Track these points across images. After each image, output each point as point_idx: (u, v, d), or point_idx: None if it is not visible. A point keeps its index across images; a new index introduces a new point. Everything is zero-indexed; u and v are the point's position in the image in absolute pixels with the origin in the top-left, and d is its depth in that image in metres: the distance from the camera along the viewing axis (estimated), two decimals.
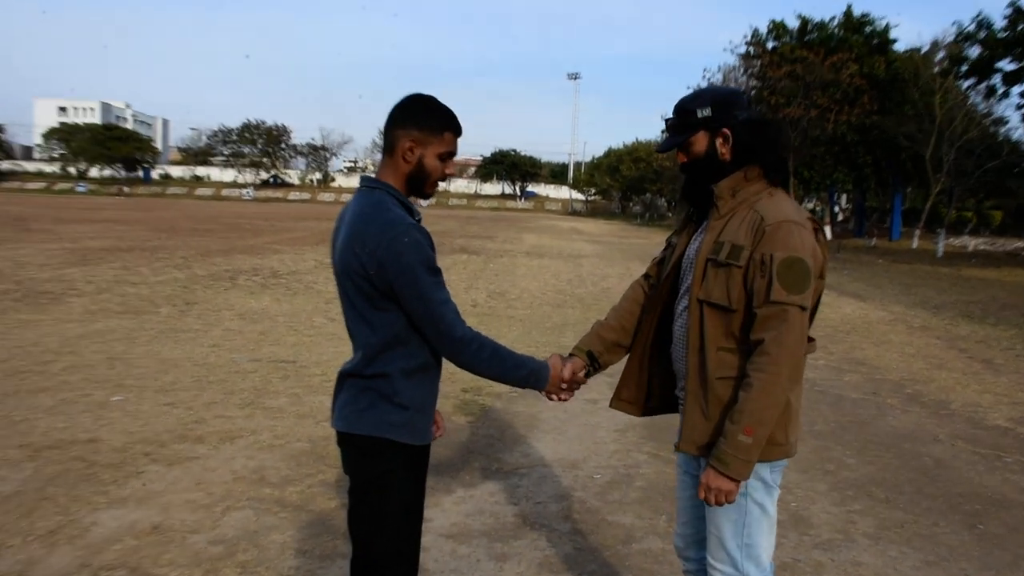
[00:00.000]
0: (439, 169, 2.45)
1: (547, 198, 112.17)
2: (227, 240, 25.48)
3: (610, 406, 2.91)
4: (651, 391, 2.81)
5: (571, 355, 2.84)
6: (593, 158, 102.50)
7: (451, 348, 2.35)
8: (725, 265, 2.39)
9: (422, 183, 2.46)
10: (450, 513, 4.50)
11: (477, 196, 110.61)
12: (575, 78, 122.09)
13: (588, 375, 2.83)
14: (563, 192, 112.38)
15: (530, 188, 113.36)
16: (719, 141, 2.49)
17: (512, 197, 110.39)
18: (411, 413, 2.40)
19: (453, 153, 2.48)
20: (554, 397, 2.64)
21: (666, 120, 2.60)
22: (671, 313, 2.68)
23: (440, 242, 27.88)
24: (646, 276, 2.92)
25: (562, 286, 16.30)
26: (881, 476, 5.44)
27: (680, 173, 2.64)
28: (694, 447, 2.49)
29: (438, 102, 2.44)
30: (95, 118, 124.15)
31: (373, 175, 2.50)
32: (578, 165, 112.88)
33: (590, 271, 20.13)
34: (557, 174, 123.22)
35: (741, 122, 2.48)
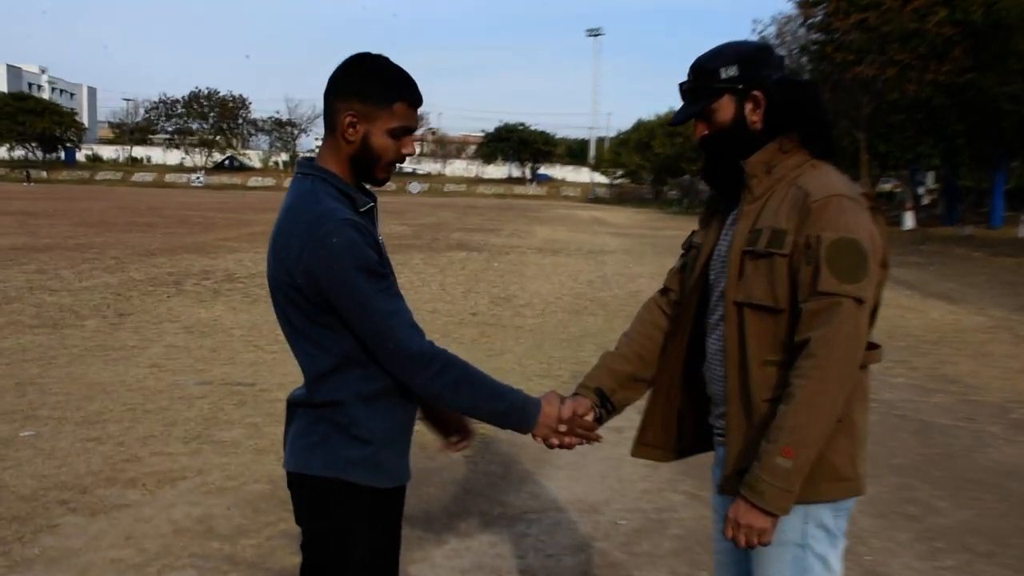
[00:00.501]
0: (391, 149, 2.40)
1: (563, 182, 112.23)
2: (171, 236, 25.55)
3: (632, 454, 2.88)
4: (682, 429, 2.78)
5: (575, 394, 2.80)
6: (619, 133, 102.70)
7: (404, 368, 2.30)
8: (766, 255, 2.37)
9: (370, 166, 2.41)
10: (441, 570, 4.47)
11: (479, 180, 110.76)
12: (596, 35, 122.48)
13: (600, 420, 2.77)
14: (583, 175, 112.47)
15: (543, 170, 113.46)
16: (748, 106, 2.48)
17: (521, 181, 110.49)
18: (374, 448, 2.37)
19: (410, 128, 2.42)
20: (554, 442, 2.57)
21: (681, 84, 2.58)
22: (702, 331, 2.65)
23: (433, 237, 27.92)
24: (664, 291, 2.89)
25: (581, 288, 16.33)
26: (981, 523, 5.38)
27: (700, 150, 2.61)
28: (738, 488, 2.44)
29: (387, 63, 2.41)
30: (0, 86, 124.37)
31: (310, 156, 2.49)
32: (601, 142, 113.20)
33: (616, 270, 20.13)
34: (575, 153, 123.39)
35: (774, 82, 2.47)
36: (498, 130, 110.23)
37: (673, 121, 2.69)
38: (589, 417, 2.70)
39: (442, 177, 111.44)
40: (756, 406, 2.39)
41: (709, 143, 2.55)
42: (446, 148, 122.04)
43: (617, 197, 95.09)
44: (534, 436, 2.52)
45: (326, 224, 2.22)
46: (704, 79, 2.50)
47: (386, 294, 2.27)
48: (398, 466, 2.44)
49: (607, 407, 2.79)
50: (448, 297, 14.48)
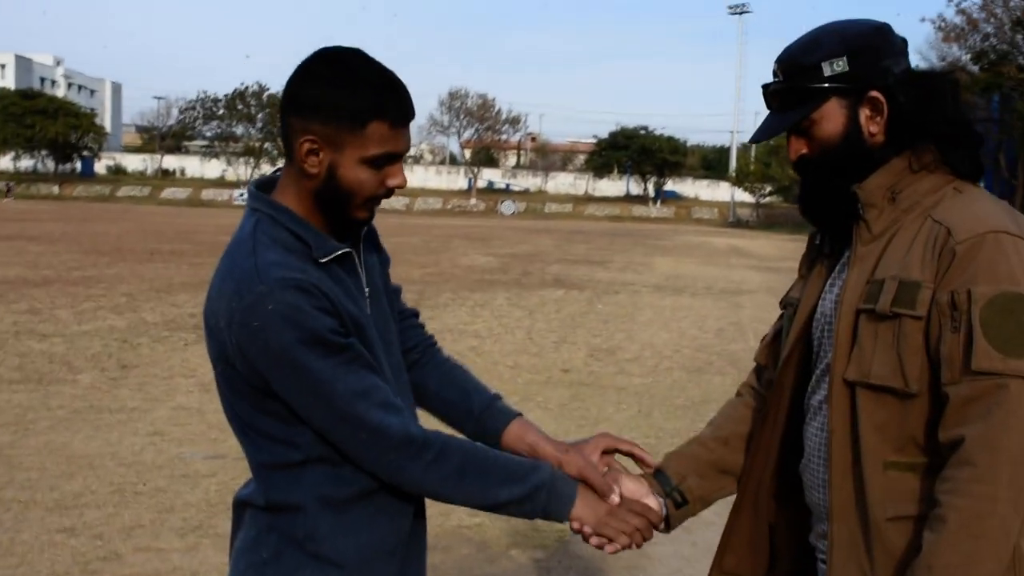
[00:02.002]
0: (369, 182, 2.21)
1: (695, 201, 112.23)
2: (200, 267, 26.04)
3: None
4: (776, 550, 2.59)
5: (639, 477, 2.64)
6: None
7: (387, 462, 2.16)
8: (891, 317, 2.16)
9: (342, 206, 2.23)
10: None
11: (588, 199, 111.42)
12: (740, 12, 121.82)
13: (668, 522, 2.59)
14: (721, 191, 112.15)
15: (670, 186, 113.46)
16: (864, 113, 2.30)
17: (642, 200, 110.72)
18: (343, 574, 2.22)
19: (395, 154, 2.23)
20: (603, 536, 2.36)
21: (767, 86, 2.41)
22: (802, 414, 2.47)
23: (525, 271, 28.00)
24: (758, 370, 2.76)
25: (707, 339, 16.24)
26: None
27: (796, 173, 2.45)
28: None
29: (358, 64, 2.20)
30: (7, 80, 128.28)
31: (273, 176, 2.36)
32: (745, 150, 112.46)
33: (755, 315, 19.83)
34: (712, 165, 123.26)
35: (898, 77, 2.28)
36: (613, 135, 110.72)
37: (755, 137, 2.51)
38: (651, 503, 2.51)
39: (543, 195, 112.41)
40: (875, 528, 2.19)
41: (810, 166, 2.38)
42: (548, 159, 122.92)
43: (765, 220, 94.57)
44: (572, 526, 2.35)
45: (257, 286, 2.07)
46: (801, 78, 2.32)
47: (349, 368, 2.12)
48: None
49: (674, 498, 2.62)
50: (535, 348, 14.50)
